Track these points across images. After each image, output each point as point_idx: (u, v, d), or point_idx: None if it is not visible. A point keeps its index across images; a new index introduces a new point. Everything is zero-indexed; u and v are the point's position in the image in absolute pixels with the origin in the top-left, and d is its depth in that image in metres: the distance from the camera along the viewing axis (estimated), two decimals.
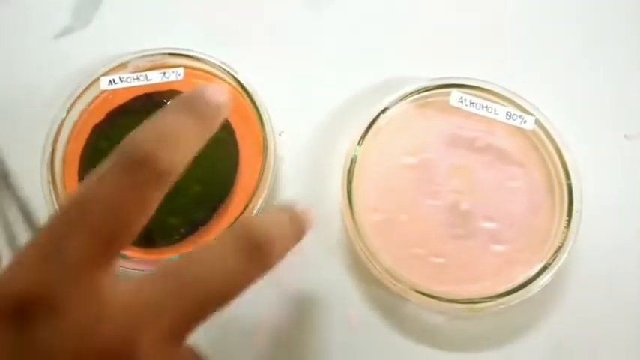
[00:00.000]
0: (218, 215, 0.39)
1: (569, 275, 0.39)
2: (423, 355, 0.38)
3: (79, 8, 0.47)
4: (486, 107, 0.41)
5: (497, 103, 0.41)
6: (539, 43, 0.46)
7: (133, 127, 0.41)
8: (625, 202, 0.41)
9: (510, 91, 0.41)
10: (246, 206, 0.38)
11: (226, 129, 0.41)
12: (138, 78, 0.40)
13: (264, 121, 0.40)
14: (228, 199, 0.39)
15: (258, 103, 0.40)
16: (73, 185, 0.40)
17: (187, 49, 0.42)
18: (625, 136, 0.43)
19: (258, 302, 0.39)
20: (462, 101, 0.41)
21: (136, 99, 0.42)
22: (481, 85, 0.41)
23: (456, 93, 0.41)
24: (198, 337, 0.38)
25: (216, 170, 0.40)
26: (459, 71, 0.42)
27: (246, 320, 0.39)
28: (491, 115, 0.41)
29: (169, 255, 0.37)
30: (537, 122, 0.40)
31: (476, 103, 0.41)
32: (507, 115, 0.41)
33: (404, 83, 0.41)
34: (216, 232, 0.38)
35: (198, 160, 0.40)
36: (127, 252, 0.38)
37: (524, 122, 0.40)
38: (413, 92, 0.41)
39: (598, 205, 0.39)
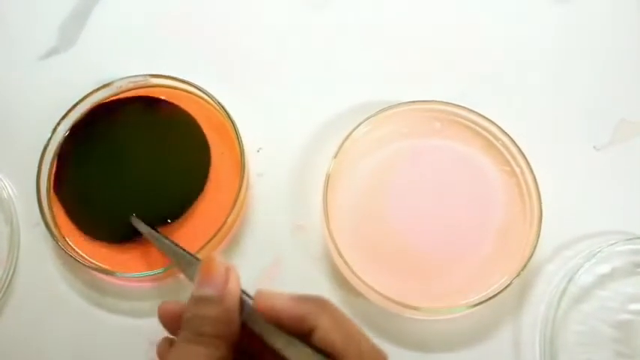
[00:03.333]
0: (190, 211, 0.41)
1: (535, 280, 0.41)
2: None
3: (63, 29, 0.49)
4: (459, 123, 0.42)
5: (470, 121, 0.42)
6: (508, 63, 0.47)
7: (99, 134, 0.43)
8: (593, 207, 0.42)
9: (477, 111, 0.42)
10: (226, 220, 0.39)
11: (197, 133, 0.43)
12: None
13: (241, 139, 0.41)
14: (201, 196, 0.41)
15: (234, 121, 0.41)
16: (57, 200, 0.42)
17: (169, 72, 0.44)
18: (594, 147, 0.44)
19: None
20: (435, 119, 0.43)
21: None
22: (453, 103, 0.42)
23: (427, 112, 0.43)
24: None
25: (188, 167, 0.42)
26: (432, 93, 0.43)
27: None
28: (465, 132, 0.42)
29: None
30: (509, 139, 0.41)
31: (449, 120, 0.42)
32: (478, 132, 0.42)
33: (378, 103, 0.43)
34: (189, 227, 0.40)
35: (169, 157, 0.42)
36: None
37: (497, 140, 0.42)
38: (386, 109, 0.42)
39: (570, 212, 0.41)
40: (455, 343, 0.39)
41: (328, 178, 0.40)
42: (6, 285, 0.41)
